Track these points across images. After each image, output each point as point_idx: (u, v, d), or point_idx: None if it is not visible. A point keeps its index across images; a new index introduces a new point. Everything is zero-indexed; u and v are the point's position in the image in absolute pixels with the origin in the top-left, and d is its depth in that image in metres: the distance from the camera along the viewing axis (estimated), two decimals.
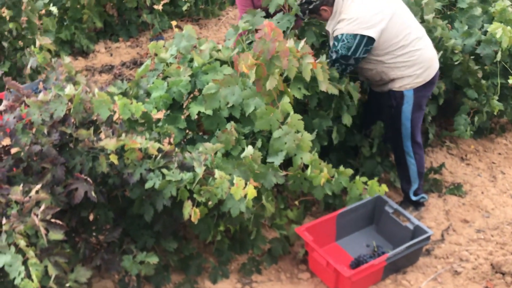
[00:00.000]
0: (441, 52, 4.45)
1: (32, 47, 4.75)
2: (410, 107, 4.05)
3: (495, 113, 4.79)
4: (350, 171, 3.74)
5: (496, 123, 5.37)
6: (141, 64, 6.64)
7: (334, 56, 3.91)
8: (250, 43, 4.14)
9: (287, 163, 3.64)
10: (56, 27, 6.56)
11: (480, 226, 4.28)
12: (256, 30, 4.02)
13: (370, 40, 3.81)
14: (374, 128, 4.36)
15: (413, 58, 3.93)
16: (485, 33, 4.65)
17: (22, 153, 3.15)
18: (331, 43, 4.04)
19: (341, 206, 4.00)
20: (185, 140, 3.90)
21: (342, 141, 4.22)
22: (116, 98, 3.29)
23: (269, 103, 3.53)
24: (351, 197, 3.83)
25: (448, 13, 5.07)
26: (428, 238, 3.74)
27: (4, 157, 3.19)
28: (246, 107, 3.55)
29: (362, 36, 3.79)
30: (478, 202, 4.51)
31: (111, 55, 6.91)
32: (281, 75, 3.56)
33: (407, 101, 4.03)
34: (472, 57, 4.62)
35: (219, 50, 3.98)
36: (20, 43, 5.80)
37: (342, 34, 3.84)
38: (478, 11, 4.86)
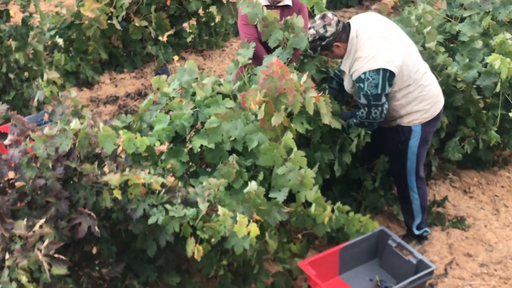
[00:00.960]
0: (442, 77, 4.48)
1: (40, 80, 4.80)
2: (417, 142, 4.05)
3: (492, 144, 4.80)
4: (346, 208, 3.74)
5: (498, 156, 5.38)
6: (146, 95, 6.70)
7: (365, 101, 3.84)
8: (250, 76, 4.19)
9: (290, 197, 3.65)
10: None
11: (483, 260, 4.27)
12: (251, 59, 4.05)
13: (392, 75, 3.78)
14: (377, 162, 4.36)
15: (423, 93, 3.93)
16: (485, 65, 4.68)
17: (26, 187, 3.16)
18: (346, 84, 4.02)
19: (344, 240, 3.99)
20: (188, 173, 3.92)
21: (345, 174, 4.22)
22: (121, 132, 3.32)
23: (273, 138, 3.55)
24: (349, 233, 3.83)
25: (450, 45, 5.12)
26: (431, 272, 3.73)
27: (8, 191, 3.20)
28: (249, 142, 3.57)
29: (385, 71, 3.75)
30: (481, 236, 4.50)
31: (116, 86, 6.96)
32: (285, 110, 3.59)
33: (415, 136, 4.02)
34: (474, 86, 4.65)
35: (221, 84, 4.02)
36: (26, 74, 5.85)
37: (364, 73, 3.78)
38: (479, 44, 4.90)
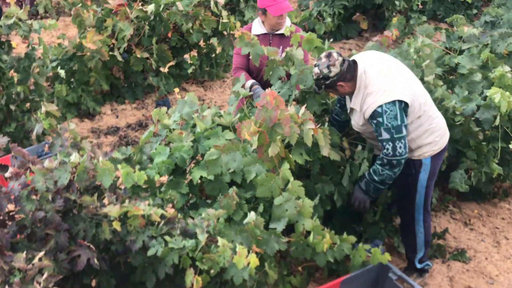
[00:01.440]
0: (441, 111, 4.47)
1: (39, 113, 4.82)
2: (426, 175, 4.02)
3: (494, 176, 4.80)
4: (353, 239, 3.71)
5: (499, 188, 5.38)
6: (147, 125, 6.73)
7: (388, 135, 3.74)
8: (251, 108, 4.22)
9: (290, 228, 3.65)
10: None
11: None
12: (251, 89, 4.06)
13: (406, 105, 3.76)
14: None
15: (432, 125, 3.92)
16: (484, 98, 4.70)
17: (26, 220, 3.16)
18: (355, 122, 3.99)
19: (345, 272, 3.96)
20: (188, 204, 3.92)
21: (346, 206, 4.22)
22: (119, 166, 3.32)
23: (271, 169, 3.57)
24: (354, 265, 3.80)
25: (449, 78, 5.15)
26: None
27: (8, 223, 3.20)
28: (247, 173, 3.59)
29: (400, 102, 3.73)
30: (482, 268, 4.48)
31: (117, 117, 6.99)
32: (282, 141, 3.61)
33: (425, 169, 4.00)
34: (473, 118, 4.66)
35: (221, 116, 4.04)
36: (28, 105, 5.89)
37: (380, 106, 3.73)
38: (478, 76, 4.92)
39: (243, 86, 4.30)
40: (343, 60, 3.84)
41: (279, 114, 3.49)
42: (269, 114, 3.49)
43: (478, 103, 4.63)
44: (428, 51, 4.62)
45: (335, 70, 3.81)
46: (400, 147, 3.73)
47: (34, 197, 3.15)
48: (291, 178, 3.52)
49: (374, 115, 3.75)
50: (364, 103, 3.82)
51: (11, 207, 3.23)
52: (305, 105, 3.85)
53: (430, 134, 3.93)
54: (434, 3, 9.97)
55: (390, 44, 4.96)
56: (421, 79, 4.55)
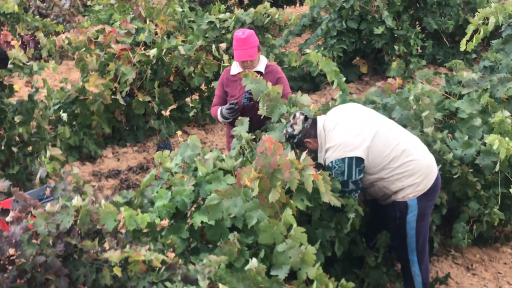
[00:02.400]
0: (440, 165, 4.49)
1: (43, 157, 4.84)
2: (414, 217, 4.04)
3: (495, 224, 4.79)
4: (350, 285, 3.69)
5: (500, 232, 5.37)
6: (148, 169, 6.74)
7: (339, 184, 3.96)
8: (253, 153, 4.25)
9: (291, 274, 3.62)
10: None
11: None
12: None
13: (359, 160, 3.89)
14: (379, 238, 4.34)
15: (409, 167, 3.96)
16: (484, 143, 4.71)
17: (26, 264, 3.15)
18: None
19: None
20: (188, 249, 3.90)
21: (347, 251, 4.20)
22: (122, 209, 3.33)
23: (272, 215, 3.56)
24: None
25: (449, 122, 5.17)
26: None
27: (8, 268, 3.19)
28: (248, 219, 3.58)
29: (350, 158, 3.89)
30: None
31: (118, 160, 7.01)
32: (283, 187, 3.61)
33: (412, 211, 4.02)
34: (471, 170, 4.66)
35: (222, 160, 4.06)
36: (30, 148, 5.91)
37: (331, 162, 3.95)
38: (478, 121, 4.93)
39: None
40: (305, 118, 4.10)
41: (279, 160, 3.50)
42: (268, 160, 3.51)
43: (478, 149, 4.65)
44: (427, 100, 4.65)
45: (298, 128, 4.07)
46: (349, 193, 3.97)
47: (35, 241, 3.15)
48: (294, 224, 3.51)
49: (326, 169, 4.00)
50: (325, 158, 4.04)
51: (11, 251, 3.23)
52: (306, 151, 3.86)
53: (409, 176, 3.97)
54: (433, 47, 10.07)
55: (393, 91, 5.01)
56: (421, 131, 4.57)
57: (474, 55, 10.02)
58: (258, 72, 5.10)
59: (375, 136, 3.94)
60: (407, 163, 3.96)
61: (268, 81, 4.77)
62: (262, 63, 5.18)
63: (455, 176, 4.60)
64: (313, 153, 4.12)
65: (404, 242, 4.13)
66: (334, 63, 4.79)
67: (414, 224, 4.06)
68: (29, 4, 11.33)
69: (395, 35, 9.35)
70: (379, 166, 3.95)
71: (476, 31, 6.47)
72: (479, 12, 6.47)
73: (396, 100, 4.74)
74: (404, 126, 4.51)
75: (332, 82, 5.20)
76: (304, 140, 4.07)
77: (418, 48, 9.63)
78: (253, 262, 3.35)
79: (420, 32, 9.72)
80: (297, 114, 4.11)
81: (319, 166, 4.08)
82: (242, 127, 4.39)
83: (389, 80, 5.15)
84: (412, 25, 9.99)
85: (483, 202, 4.75)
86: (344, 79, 5.13)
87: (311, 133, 4.06)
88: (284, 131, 4.14)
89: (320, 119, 4.12)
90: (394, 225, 4.16)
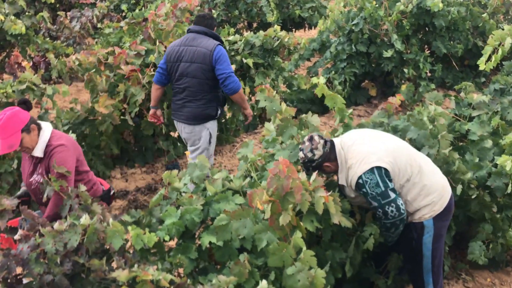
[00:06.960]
0: (460, 185, 4.43)
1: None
2: (431, 238, 4.00)
3: (510, 246, 4.74)
4: None
5: (511, 256, 5.30)
6: (156, 189, 6.72)
7: (376, 203, 3.83)
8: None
9: None
10: None
11: None
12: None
13: (386, 171, 3.83)
14: (390, 260, 4.29)
15: (426, 187, 3.94)
16: (495, 165, 4.68)
17: (34, 283, 3.13)
18: (350, 196, 4.06)
19: None
20: (197, 269, 3.86)
21: (356, 273, 4.15)
22: (129, 228, 3.31)
23: (282, 237, 3.52)
24: None
25: (460, 144, 5.14)
26: None
27: (16, 287, 3.16)
28: (258, 241, 3.53)
29: (378, 168, 3.81)
30: None
31: (127, 180, 7.00)
32: (293, 209, 3.58)
33: (428, 232, 3.99)
34: (487, 191, 4.63)
35: (231, 180, 4.04)
36: None
37: (360, 177, 3.84)
38: (489, 143, 4.91)
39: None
40: (325, 142, 3.98)
41: (292, 183, 3.47)
42: (281, 182, 3.47)
43: (489, 171, 4.62)
44: (442, 121, 4.59)
45: (318, 153, 3.95)
46: (392, 211, 3.81)
47: (42, 260, 3.13)
48: (304, 247, 3.47)
49: (358, 186, 3.87)
50: (348, 177, 3.95)
51: (19, 270, 3.21)
52: (316, 172, 3.84)
53: (426, 196, 3.94)
54: (442, 71, 10.06)
55: (398, 110, 4.99)
56: (438, 151, 4.51)
57: (483, 79, 10.02)
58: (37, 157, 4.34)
59: (394, 152, 3.92)
60: (424, 182, 3.94)
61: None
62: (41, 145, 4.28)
63: (473, 197, 4.55)
64: (332, 174, 4.09)
65: (419, 264, 4.09)
66: (341, 98, 4.71)
67: (430, 246, 4.02)
68: (40, 26, 11.39)
69: (404, 58, 9.35)
70: (400, 182, 3.91)
71: (493, 52, 6.45)
72: (493, 35, 6.44)
73: (411, 121, 4.69)
74: (422, 145, 4.48)
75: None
76: (324, 165, 3.99)
77: (427, 71, 9.62)
78: (263, 284, 3.30)
79: (429, 55, 9.73)
80: (316, 138, 3.99)
81: (329, 187, 4.05)
82: (247, 149, 4.36)
83: (390, 98, 5.12)
84: (421, 49, 9.99)
85: (498, 225, 4.69)
86: (349, 112, 4.94)
87: (330, 157, 3.98)
88: (302, 155, 4.00)
89: (337, 141, 4.06)
90: (410, 247, 4.10)
